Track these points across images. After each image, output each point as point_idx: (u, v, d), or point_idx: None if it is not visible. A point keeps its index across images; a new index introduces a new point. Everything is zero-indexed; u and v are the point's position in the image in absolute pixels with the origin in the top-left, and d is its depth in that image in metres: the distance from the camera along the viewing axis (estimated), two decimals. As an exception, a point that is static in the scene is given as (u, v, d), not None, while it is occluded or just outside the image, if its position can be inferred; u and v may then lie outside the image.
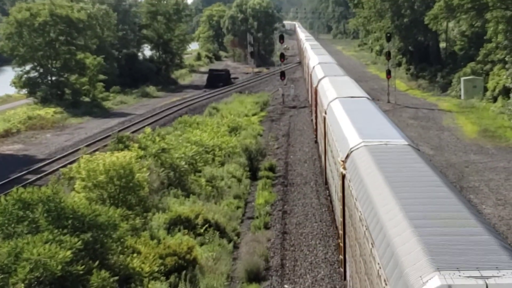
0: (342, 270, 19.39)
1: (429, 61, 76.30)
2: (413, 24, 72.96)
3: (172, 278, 19.37)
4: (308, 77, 58.27)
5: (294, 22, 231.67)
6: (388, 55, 62.30)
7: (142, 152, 30.70)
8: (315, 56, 58.07)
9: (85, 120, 59.07)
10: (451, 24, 72.84)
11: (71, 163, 34.93)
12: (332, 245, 23.85)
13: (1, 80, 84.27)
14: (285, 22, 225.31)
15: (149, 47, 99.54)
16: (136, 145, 31.82)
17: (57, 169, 37.24)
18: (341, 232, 18.71)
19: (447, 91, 64.83)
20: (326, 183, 28.45)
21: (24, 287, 15.59)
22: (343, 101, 26.47)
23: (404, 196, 12.51)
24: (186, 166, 32.01)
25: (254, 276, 21.27)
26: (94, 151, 35.87)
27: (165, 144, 32.82)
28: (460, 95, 60.62)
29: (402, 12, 73.07)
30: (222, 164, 35.96)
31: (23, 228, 17.76)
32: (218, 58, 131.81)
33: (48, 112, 59.59)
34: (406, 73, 79.31)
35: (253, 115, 56.71)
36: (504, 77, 52.96)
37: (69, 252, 16.41)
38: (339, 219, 19.73)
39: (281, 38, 75.09)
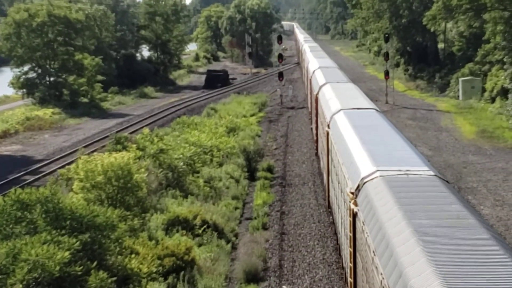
0: None
1: (427, 61, 76.36)
2: (411, 24, 73.05)
3: (170, 279, 19.37)
4: (307, 81, 55.31)
5: (292, 23, 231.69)
6: (386, 55, 62.37)
7: (140, 153, 30.68)
8: (315, 60, 55.38)
9: (83, 121, 59.03)
10: (449, 25, 72.87)
11: (69, 164, 34.87)
12: (330, 246, 23.85)
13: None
14: (283, 22, 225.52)
15: (147, 47, 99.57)
16: (134, 145, 31.80)
17: (55, 170, 37.18)
18: (350, 280, 15.49)
19: (445, 92, 64.91)
20: (329, 206, 25.69)
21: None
22: (349, 114, 23.43)
23: (441, 261, 9.47)
24: (184, 166, 32.00)
25: (252, 277, 21.26)
26: (92, 152, 35.86)
27: (163, 145, 32.79)
28: (458, 96, 60.68)
29: (400, 12, 73.15)
30: (220, 164, 35.96)
31: (21, 229, 17.75)
32: (216, 58, 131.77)
33: (46, 113, 59.53)
34: (404, 74, 79.35)
35: (251, 115, 56.70)
36: (502, 77, 53.00)
37: (67, 253, 16.39)
38: (347, 262, 16.48)
39: (279, 39, 75.06)
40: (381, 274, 10.74)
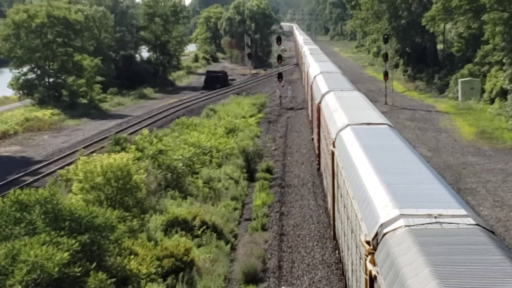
0: None
1: (426, 62, 76.39)
2: (410, 25, 73.08)
3: (169, 280, 19.37)
4: (307, 87, 51.55)
5: (292, 24, 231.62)
6: (385, 56, 62.41)
7: (139, 154, 30.71)
8: (316, 64, 51.24)
9: (82, 122, 59.01)
10: (448, 26, 72.93)
11: (68, 164, 34.90)
12: (329, 247, 23.85)
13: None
14: (282, 23, 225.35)
15: (147, 48, 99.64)
16: (134, 146, 31.82)
17: (55, 171, 37.18)
18: None
19: (444, 93, 64.92)
20: (335, 238, 22.12)
21: (21, 289, 15.58)
22: (358, 131, 20.02)
23: None
24: (183, 167, 32.01)
25: (252, 277, 21.26)
26: (91, 152, 35.87)
27: (162, 146, 32.81)
28: (457, 97, 60.69)
29: (399, 13, 73.19)
30: (220, 165, 35.97)
31: (20, 230, 17.74)
32: (215, 59, 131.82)
33: (45, 113, 59.51)
34: (404, 75, 79.38)
35: (251, 116, 56.71)
36: (501, 78, 53.01)
37: (66, 254, 16.38)
38: None
39: (279, 40, 75.04)
40: None
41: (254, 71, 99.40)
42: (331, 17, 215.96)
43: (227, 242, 24.31)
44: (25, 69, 68.88)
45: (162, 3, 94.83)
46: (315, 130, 34.84)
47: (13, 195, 18.35)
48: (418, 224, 11.11)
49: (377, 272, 10.92)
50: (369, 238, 11.98)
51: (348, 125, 21.23)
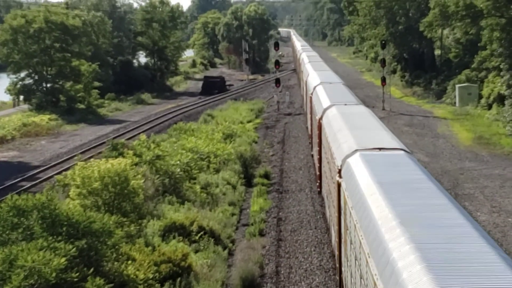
0: None
1: (424, 68, 76.51)
2: (407, 31, 73.21)
3: (166, 285, 19.33)
4: (306, 98, 47.93)
5: (289, 29, 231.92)
6: (383, 62, 62.53)
7: (137, 159, 30.65)
8: (315, 73, 47.15)
9: (80, 127, 59.00)
10: (446, 32, 73.04)
11: (66, 170, 34.88)
12: (327, 252, 23.83)
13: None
14: (280, 29, 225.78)
15: (144, 54, 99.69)
16: (131, 152, 31.76)
17: (52, 176, 37.18)
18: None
19: (442, 98, 64.99)
20: (341, 285, 18.42)
21: (18, 294, 15.54)
22: (369, 159, 16.66)
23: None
24: (181, 173, 31.98)
25: (249, 283, 21.23)
26: (89, 158, 35.80)
27: (160, 151, 32.76)
28: (455, 102, 60.77)
29: (397, 19, 73.31)
30: (217, 171, 35.93)
31: (18, 235, 17.70)
32: (213, 65, 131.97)
33: (43, 119, 59.51)
34: (401, 80, 79.48)
35: (248, 122, 56.73)
36: (499, 84, 53.09)
37: (63, 259, 16.35)
38: None
39: (276, 45, 75.23)
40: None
41: (251, 77, 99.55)
42: (329, 23, 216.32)
43: (224, 248, 24.28)
44: (22, 74, 68.97)
45: (160, 9, 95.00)
46: (315, 147, 32.06)
47: (10, 200, 18.30)
48: None
49: None
50: None
51: (356, 150, 17.89)
